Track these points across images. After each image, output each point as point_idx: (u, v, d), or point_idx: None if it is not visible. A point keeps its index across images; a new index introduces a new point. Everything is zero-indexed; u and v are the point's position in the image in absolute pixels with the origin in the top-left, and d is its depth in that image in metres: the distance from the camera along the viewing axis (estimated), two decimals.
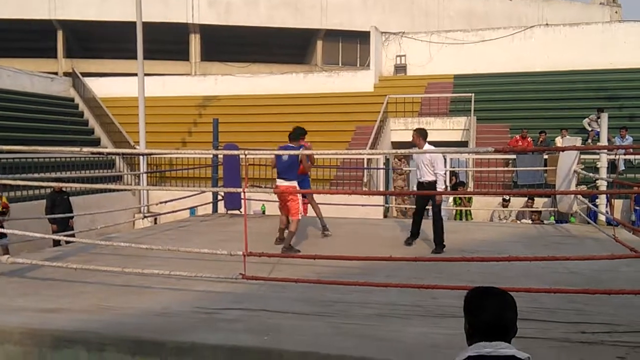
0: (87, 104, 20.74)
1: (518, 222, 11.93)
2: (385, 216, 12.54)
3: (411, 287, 4.49)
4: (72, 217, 10.44)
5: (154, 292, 4.78)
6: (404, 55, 21.48)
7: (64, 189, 10.67)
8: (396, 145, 16.59)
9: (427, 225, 7.12)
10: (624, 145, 12.56)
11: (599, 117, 11.25)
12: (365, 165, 14.23)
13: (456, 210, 12.61)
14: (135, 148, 16.54)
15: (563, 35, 19.92)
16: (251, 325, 3.88)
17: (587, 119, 15.06)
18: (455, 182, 13.19)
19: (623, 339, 3.58)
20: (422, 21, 26.00)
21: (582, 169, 9.00)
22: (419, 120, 16.84)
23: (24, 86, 19.49)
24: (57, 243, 9.03)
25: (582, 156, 9.90)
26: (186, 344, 3.54)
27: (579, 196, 9.15)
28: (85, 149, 6.44)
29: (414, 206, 13.17)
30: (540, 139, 14.38)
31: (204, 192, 9.87)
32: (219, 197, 10.80)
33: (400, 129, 16.83)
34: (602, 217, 8.83)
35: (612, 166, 11.26)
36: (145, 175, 15.39)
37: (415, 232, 7.17)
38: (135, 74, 16.37)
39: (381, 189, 13.75)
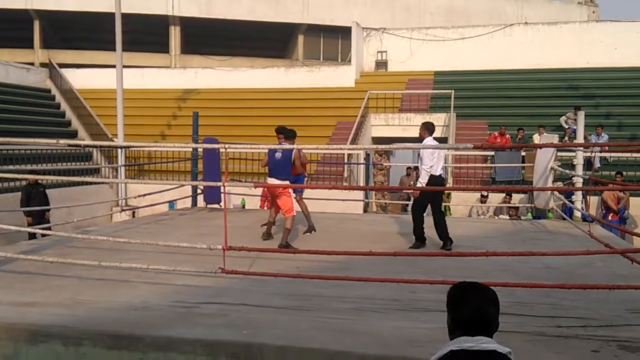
0: (64, 95, 20.40)
1: (496, 217, 12.06)
2: (365, 211, 12.60)
3: (390, 282, 4.52)
4: (48, 210, 10.28)
5: (131, 286, 4.73)
6: (385, 51, 21.53)
7: (39, 182, 10.49)
8: (377, 140, 16.65)
9: (408, 221, 7.15)
10: (600, 143, 12.77)
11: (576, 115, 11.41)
12: (346, 160, 14.25)
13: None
14: (113, 141, 16.32)
15: (541, 34, 20.16)
16: (230, 319, 3.87)
17: (564, 117, 15.27)
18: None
19: (597, 333, 3.65)
20: (403, 17, 26.06)
21: (558, 166, 9.12)
22: (399, 116, 16.93)
23: None
24: (32, 236, 8.89)
25: (559, 153, 10.04)
26: (164, 338, 3.51)
27: (556, 192, 9.29)
28: (62, 141, 6.33)
29: (394, 201, 13.23)
30: (519, 136, 14.55)
31: (183, 185, 9.81)
32: (199, 191, 10.73)
33: (380, 125, 16.88)
34: (577, 214, 8.98)
35: (588, 163, 11.44)
36: (123, 168, 15.22)
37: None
38: (114, 66, 16.15)
39: (361, 184, 13.79)
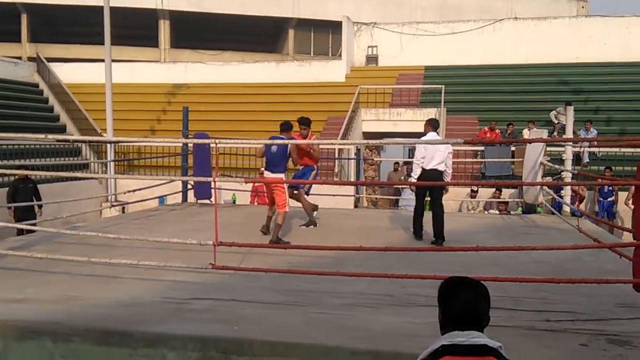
0: (52, 90, 20.21)
1: (486, 212, 12.13)
2: (355, 206, 12.61)
3: (381, 277, 4.53)
4: (40, 206, 10.17)
5: (121, 282, 4.71)
6: (376, 46, 21.53)
7: (29, 177, 10.38)
8: (367, 135, 16.66)
9: (398, 216, 7.17)
10: (589, 138, 12.86)
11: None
12: (337, 155, 14.26)
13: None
14: (102, 136, 16.22)
15: (531, 29, 20.25)
16: (221, 315, 3.86)
17: (554, 112, 15.34)
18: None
19: (586, 327, 3.68)
20: (394, 12, 26.04)
21: (548, 161, 9.17)
22: (389, 111, 16.94)
23: None
24: (20, 232, 8.81)
25: (548, 148, 10.10)
26: (155, 334, 3.50)
27: (545, 187, 9.34)
28: (50, 136, 6.30)
29: (385, 197, 13.27)
30: (508, 131, 14.61)
31: (173, 181, 9.77)
32: (189, 186, 10.69)
33: (371, 120, 16.89)
34: (566, 208, 9.04)
35: (577, 158, 11.52)
36: (112, 163, 15.12)
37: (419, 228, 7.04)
38: (103, 60, 16.02)
39: (352, 179, 13.79)
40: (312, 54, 27.86)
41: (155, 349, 3.44)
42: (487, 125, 14.97)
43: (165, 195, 10.81)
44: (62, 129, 18.75)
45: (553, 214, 9.17)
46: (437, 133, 6.97)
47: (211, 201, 9.97)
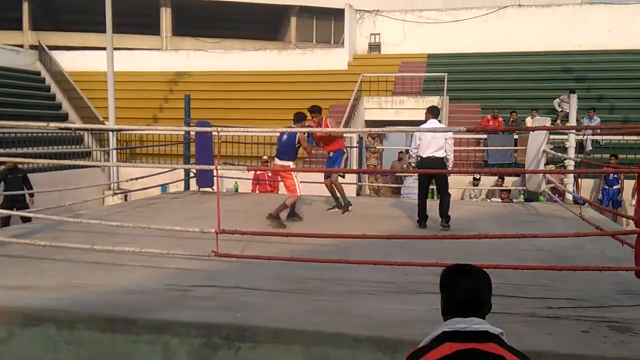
0: (54, 78, 20.18)
1: (488, 200, 12.13)
2: (358, 194, 12.61)
3: (383, 264, 4.54)
4: (32, 195, 10.14)
5: (125, 269, 4.73)
6: (378, 34, 21.41)
7: (19, 166, 10.34)
8: (370, 123, 16.61)
9: (400, 204, 7.17)
10: (592, 126, 12.82)
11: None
12: None
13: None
14: (104, 124, 16.21)
15: (535, 16, 20.10)
16: (224, 302, 3.88)
17: (557, 99, 15.27)
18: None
19: (587, 314, 3.69)
20: None
21: (551, 149, 9.15)
22: (392, 100, 16.88)
23: None
24: (6, 222, 8.79)
25: (551, 136, 10.06)
26: (158, 321, 3.52)
27: (547, 175, 9.33)
28: (52, 124, 6.29)
29: (387, 185, 13.27)
30: (511, 119, 14.56)
31: (175, 169, 9.77)
32: (191, 174, 10.70)
33: (373, 108, 16.84)
34: (569, 196, 9.03)
35: (580, 146, 11.49)
36: (115, 151, 15.13)
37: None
38: (104, 48, 15.98)
39: (354, 167, 13.76)
40: (314, 42, 27.71)
41: (158, 336, 3.46)
42: (490, 113, 14.91)
43: (168, 184, 10.83)
44: (64, 117, 18.75)
45: (555, 201, 9.16)
46: (439, 120, 6.94)
47: (213, 189, 9.98)
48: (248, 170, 6.85)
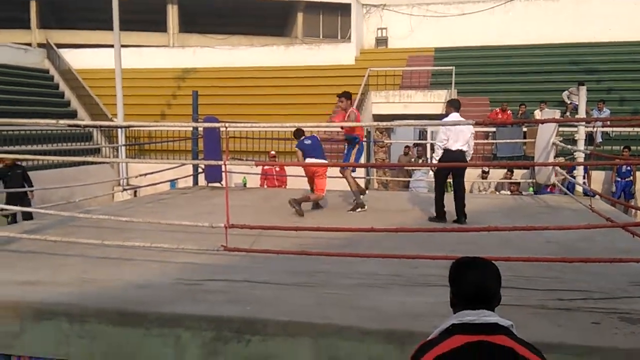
0: (62, 75, 20.30)
1: (497, 193, 12.08)
2: (366, 188, 12.57)
3: (392, 257, 4.54)
4: (31, 191, 10.16)
5: (135, 264, 4.76)
6: (385, 28, 21.35)
7: (17, 163, 10.35)
8: (377, 118, 16.58)
9: (408, 198, 7.16)
10: (601, 118, 12.73)
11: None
12: None
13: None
14: (113, 120, 16.29)
15: (542, 9, 19.95)
16: (234, 296, 3.89)
17: (566, 92, 15.18)
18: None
19: (598, 306, 3.68)
20: None
21: (560, 141, 9.10)
22: (400, 94, 16.85)
23: None
24: (13, 220, 8.83)
25: (561, 128, 10.01)
26: (169, 315, 3.54)
27: (557, 168, 9.28)
28: (62, 122, 6.33)
29: (395, 178, 13.23)
30: (520, 112, 14.49)
31: (184, 164, 9.80)
32: (200, 170, 10.73)
33: (381, 102, 16.81)
34: (579, 188, 8.98)
35: (590, 138, 11.41)
36: (123, 147, 15.20)
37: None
38: (111, 45, 16.03)
39: (362, 161, 13.74)
40: (321, 37, 27.64)
41: (170, 329, 3.49)
42: (498, 106, 14.85)
43: (177, 179, 10.87)
44: (73, 115, 18.85)
45: (565, 194, 9.11)
46: (459, 114, 6.85)
47: (222, 184, 10.00)
48: (256, 166, 6.88)
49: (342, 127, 7.71)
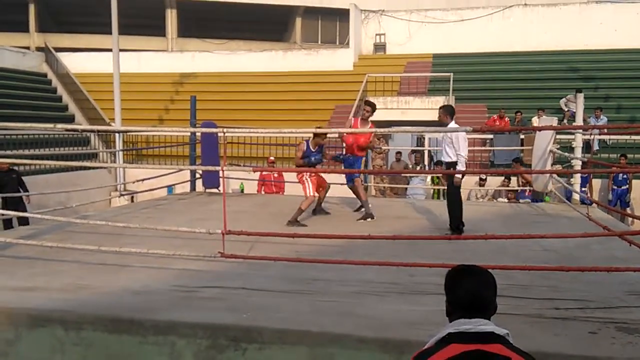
0: (60, 79, 20.29)
1: (494, 200, 12.08)
2: None
3: (389, 265, 4.53)
4: (28, 195, 10.11)
5: (131, 270, 4.74)
6: (384, 34, 21.40)
7: (12, 168, 10.32)
8: (375, 124, 16.55)
9: (405, 205, 7.15)
10: (599, 125, 12.75)
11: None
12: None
13: (434, 189, 12.72)
14: (110, 125, 16.27)
15: (541, 16, 20.03)
16: (230, 303, 3.88)
17: (564, 99, 15.21)
18: (431, 162, 13.28)
19: (595, 315, 3.67)
20: None
21: (557, 149, 9.11)
22: (398, 100, 16.84)
23: None
24: (8, 225, 8.78)
25: (558, 136, 10.03)
26: (165, 322, 3.53)
27: (554, 175, 9.29)
28: (59, 126, 6.33)
29: (394, 185, 13.18)
30: (517, 119, 14.52)
31: (181, 170, 9.81)
32: (197, 176, 10.72)
33: (379, 108, 16.67)
34: (576, 196, 8.98)
35: (587, 146, 11.44)
36: (121, 152, 15.18)
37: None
38: (110, 50, 16.05)
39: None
40: (319, 43, 27.71)
41: (165, 337, 3.47)
42: (496, 113, 14.87)
43: (174, 185, 10.86)
44: (71, 119, 18.83)
45: (562, 202, 9.12)
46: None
47: (219, 190, 10.00)
48: (254, 171, 6.87)
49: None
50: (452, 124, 6.52)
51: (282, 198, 10.75)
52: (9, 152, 10.73)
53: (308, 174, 7.26)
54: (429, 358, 1.85)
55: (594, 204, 8.34)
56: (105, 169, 15.20)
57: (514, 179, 12.54)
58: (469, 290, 1.93)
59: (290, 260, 4.70)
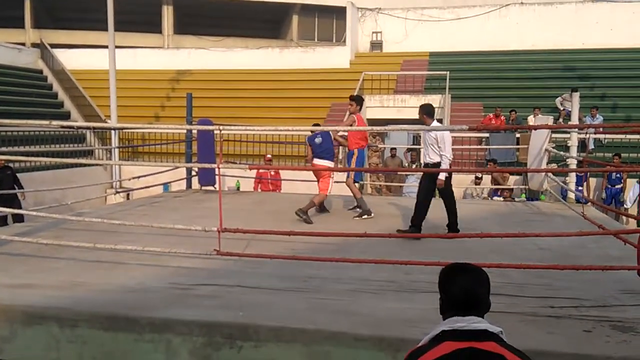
0: (56, 76, 20.21)
1: (490, 199, 12.11)
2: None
3: (385, 263, 4.54)
4: (23, 192, 10.08)
5: (127, 268, 4.73)
6: (380, 32, 21.39)
7: (7, 165, 10.30)
8: (372, 122, 16.58)
9: (401, 203, 7.15)
10: (594, 125, 12.78)
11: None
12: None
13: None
14: (106, 122, 16.23)
15: (537, 15, 20.06)
16: (226, 300, 3.88)
17: (559, 98, 15.25)
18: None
19: (590, 313, 3.69)
20: None
21: (553, 148, 9.13)
22: (394, 98, 16.87)
23: None
24: (3, 222, 8.76)
25: (554, 135, 10.05)
26: (160, 319, 3.52)
27: (550, 174, 9.31)
28: (54, 123, 6.29)
29: (389, 183, 13.22)
30: (511, 118, 14.54)
31: (177, 167, 9.77)
32: (193, 173, 10.71)
33: (375, 106, 16.82)
34: (571, 195, 9.01)
35: (582, 145, 11.46)
36: (117, 150, 15.14)
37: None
38: (106, 46, 16.00)
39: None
40: (316, 40, 27.69)
41: (161, 334, 3.47)
42: (492, 112, 14.89)
43: (170, 182, 10.84)
44: (67, 116, 18.77)
45: (558, 200, 9.14)
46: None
47: (215, 188, 9.99)
48: (250, 169, 6.86)
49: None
50: (435, 124, 6.38)
51: (279, 196, 10.76)
52: (4, 149, 10.67)
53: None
54: (423, 356, 1.85)
55: (589, 203, 8.36)
56: (101, 166, 15.15)
57: (487, 178, 12.63)
58: (463, 287, 1.94)
59: (286, 258, 4.71)
